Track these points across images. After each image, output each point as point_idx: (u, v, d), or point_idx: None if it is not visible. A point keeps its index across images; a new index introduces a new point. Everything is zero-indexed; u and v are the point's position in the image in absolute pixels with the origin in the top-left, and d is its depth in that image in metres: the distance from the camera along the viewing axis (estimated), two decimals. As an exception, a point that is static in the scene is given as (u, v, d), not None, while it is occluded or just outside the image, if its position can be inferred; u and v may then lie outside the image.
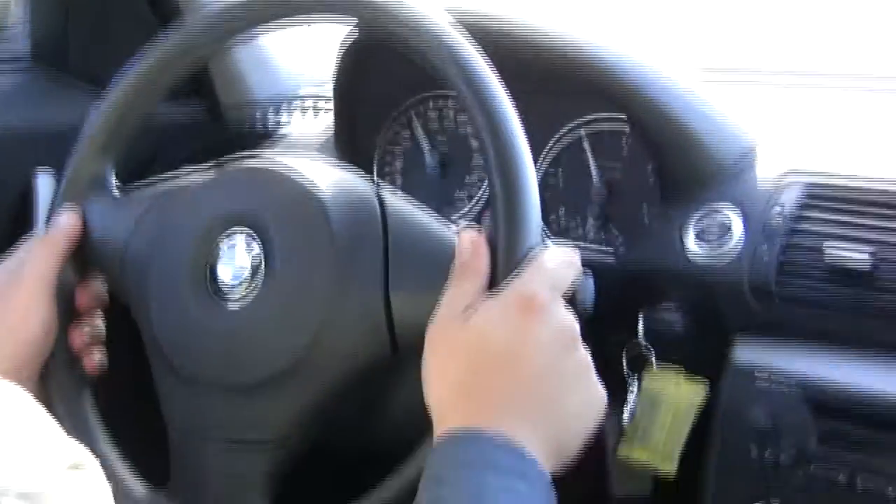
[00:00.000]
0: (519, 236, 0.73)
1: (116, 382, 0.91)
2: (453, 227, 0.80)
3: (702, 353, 1.00)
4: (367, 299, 0.78)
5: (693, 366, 1.01)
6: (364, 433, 0.90)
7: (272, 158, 0.86)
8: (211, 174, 0.88)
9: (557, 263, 0.73)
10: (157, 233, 0.86)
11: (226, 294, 0.81)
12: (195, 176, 0.89)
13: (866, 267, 0.91)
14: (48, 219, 0.90)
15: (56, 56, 1.38)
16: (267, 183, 0.84)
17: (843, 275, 0.93)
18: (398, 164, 1.26)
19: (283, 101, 1.42)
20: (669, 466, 1.01)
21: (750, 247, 0.97)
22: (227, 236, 0.82)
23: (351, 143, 1.25)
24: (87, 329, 0.90)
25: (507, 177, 0.73)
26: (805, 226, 0.97)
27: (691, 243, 1.00)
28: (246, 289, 0.80)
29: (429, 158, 1.22)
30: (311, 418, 0.81)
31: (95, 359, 0.90)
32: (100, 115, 0.90)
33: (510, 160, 0.74)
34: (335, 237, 0.79)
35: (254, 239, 0.81)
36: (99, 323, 0.92)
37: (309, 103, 1.42)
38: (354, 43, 1.17)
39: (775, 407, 0.92)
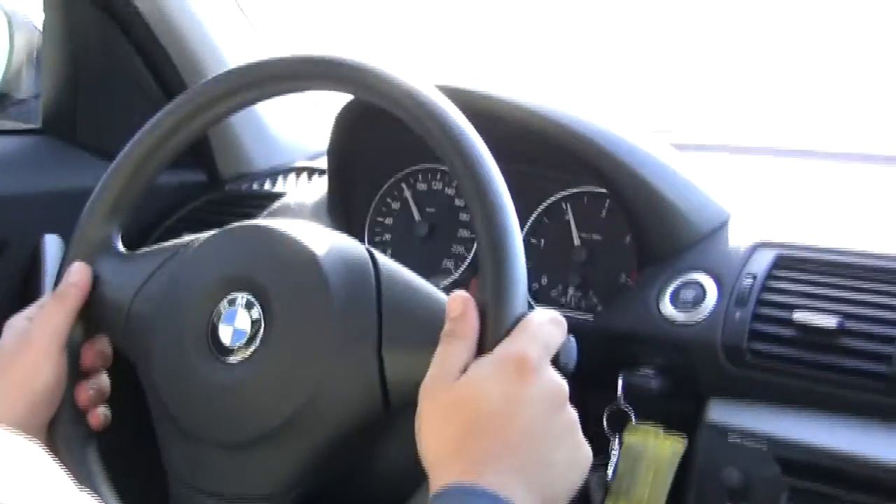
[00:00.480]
0: (507, 301, 0.76)
1: (122, 435, 0.93)
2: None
3: (678, 414, 1.03)
4: (361, 357, 0.81)
5: (670, 425, 1.04)
6: (358, 487, 0.92)
7: (271, 222, 0.89)
8: (213, 236, 0.90)
9: (547, 325, 0.76)
10: (162, 293, 0.89)
11: (227, 353, 0.83)
12: (198, 240, 0.92)
13: (833, 331, 0.95)
14: (58, 277, 0.93)
15: (65, 127, 1.43)
16: (266, 245, 0.86)
17: (812, 338, 0.97)
18: (388, 233, 1.30)
19: (280, 173, 1.46)
20: None
21: (723, 312, 1.01)
22: (229, 298, 0.85)
23: (343, 211, 1.29)
24: (92, 386, 0.92)
25: (495, 246, 0.76)
26: (776, 292, 1.01)
27: (668, 308, 1.04)
28: (246, 349, 0.83)
29: (418, 227, 1.26)
30: (307, 474, 0.82)
31: (100, 414, 0.92)
32: (107, 181, 0.93)
33: (499, 230, 0.77)
34: (332, 297, 0.82)
35: (254, 300, 0.84)
36: (104, 380, 0.94)
37: (304, 173, 1.46)
38: (348, 116, 1.21)
39: (747, 466, 0.96)
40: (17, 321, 0.91)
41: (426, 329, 0.79)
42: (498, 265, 0.76)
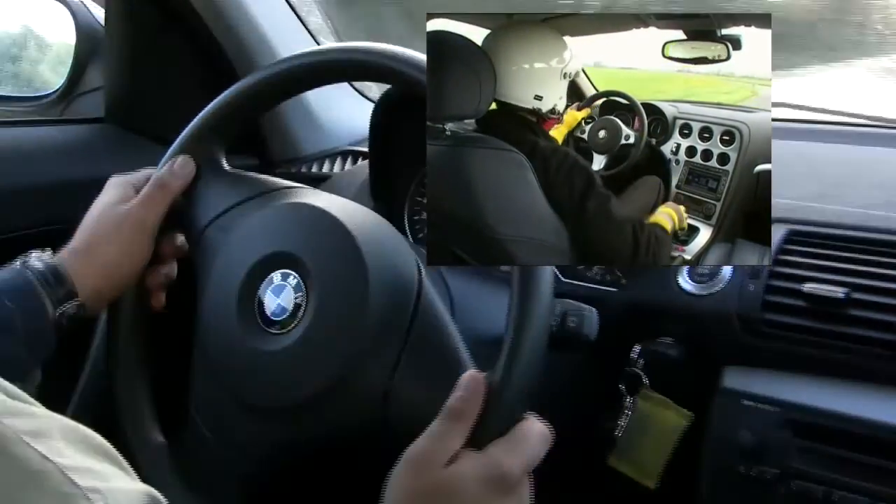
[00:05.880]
0: (512, 393, 0.76)
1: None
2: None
3: (693, 381, 1.09)
4: (374, 376, 0.84)
5: (686, 391, 1.09)
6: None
7: (338, 211, 0.90)
8: (285, 207, 0.93)
9: (537, 440, 0.76)
10: (227, 237, 0.93)
11: (266, 323, 0.88)
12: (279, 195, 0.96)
13: (841, 302, 1.01)
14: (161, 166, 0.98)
15: (125, 116, 1.50)
16: (323, 231, 0.89)
17: (821, 309, 1.02)
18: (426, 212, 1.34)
19: (327, 156, 1.53)
20: (651, 483, 1.11)
21: (738, 284, 1.07)
22: (281, 272, 0.88)
23: (385, 191, 1.34)
24: (164, 271, 0.98)
25: (519, 337, 0.77)
26: (787, 265, 1.06)
27: (686, 282, 1.10)
28: (287, 324, 0.87)
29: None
30: (295, 457, 0.88)
31: (161, 298, 0.99)
32: (219, 103, 1.00)
33: (529, 321, 0.77)
34: (368, 314, 0.84)
35: (301, 282, 0.87)
36: (173, 268, 1.00)
37: (349, 156, 1.53)
38: (388, 102, 1.27)
39: (760, 428, 1.01)
40: (116, 198, 0.96)
41: (437, 383, 0.80)
42: (515, 355, 0.77)
